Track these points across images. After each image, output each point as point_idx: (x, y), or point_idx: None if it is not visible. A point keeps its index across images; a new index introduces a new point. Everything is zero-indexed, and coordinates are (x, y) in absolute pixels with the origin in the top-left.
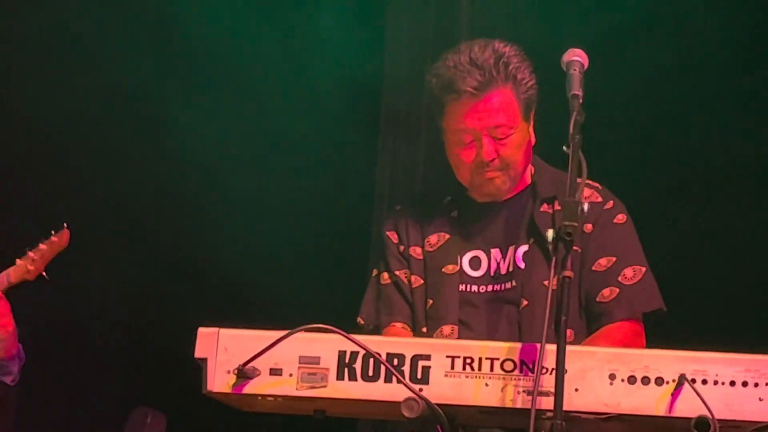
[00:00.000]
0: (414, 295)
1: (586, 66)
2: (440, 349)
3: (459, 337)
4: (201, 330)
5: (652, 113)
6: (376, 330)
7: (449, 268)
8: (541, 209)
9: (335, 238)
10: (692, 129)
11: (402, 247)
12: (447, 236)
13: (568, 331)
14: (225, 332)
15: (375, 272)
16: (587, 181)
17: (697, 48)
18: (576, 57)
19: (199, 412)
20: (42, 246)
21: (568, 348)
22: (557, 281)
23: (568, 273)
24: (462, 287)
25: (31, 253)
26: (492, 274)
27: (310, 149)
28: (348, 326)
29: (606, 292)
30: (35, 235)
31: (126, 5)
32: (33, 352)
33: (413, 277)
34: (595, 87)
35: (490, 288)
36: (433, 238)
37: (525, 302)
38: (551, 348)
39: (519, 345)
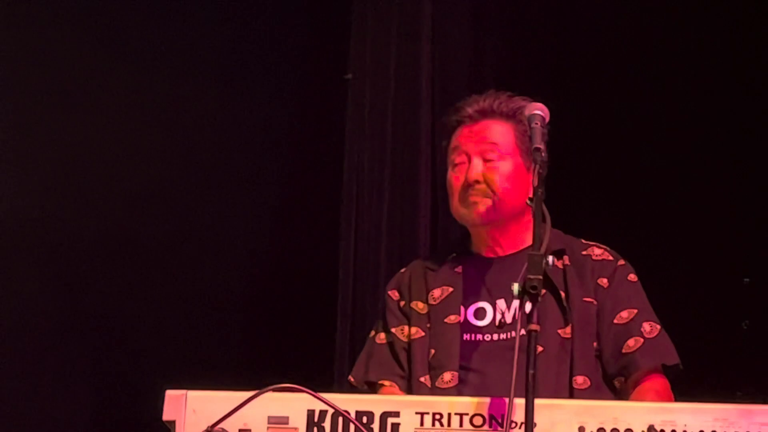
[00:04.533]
0: (413, 347)
1: (547, 119)
2: (409, 406)
3: (459, 383)
4: (168, 392)
5: None
6: (371, 387)
7: (451, 318)
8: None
9: (302, 298)
10: None
11: (402, 303)
12: (450, 289)
13: (582, 378)
14: (193, 394)
15: (372, 333)
16: (594, 244)
17: None
18: (537, 111)
19: None
20: None
21: (537, 402)
22: (526, 334)
23: (534, 327)
24: (466, 336)
25: None
26: (497, 323)
27: (273, 207)
28: (316, 385)
29: (631, 342)
30: None
31: None
32: None
33: (413, 329)
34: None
35: (495, 337)
36: (436, 292)
37: (539, 348)
38: (520, 402)
39: (488, 400)
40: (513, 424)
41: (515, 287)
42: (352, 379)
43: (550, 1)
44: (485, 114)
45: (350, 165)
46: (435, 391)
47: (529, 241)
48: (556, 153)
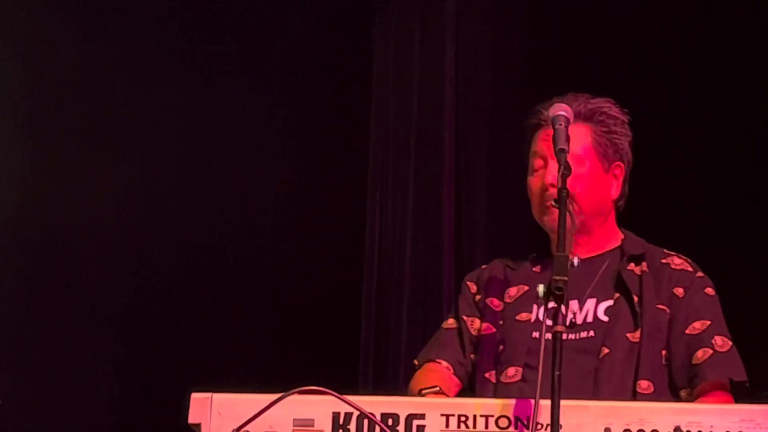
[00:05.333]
0: (481, 343)
1: (571, 120)
2: (435, 408)
3: (523, 378)
4: (194, 395)
5: None
6: None
7: (523, 316)
8: (628, 267)
9: (326, 300)
10: None
11: (478, 297)
12: (526, 288)
13: (646, 383)
14: (218, 397)
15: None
16: (675, 254)
17: None
18: (561, 111)
19: None
20: None
21: (563, 403)
22: (551, 337)
23: (560, 328)
24: (535, 334)
25: None
26: (567, 323)
27: (296, 209)
28: (341, 387)
29: (699, 353)
30: None
31: None
32: None
33: (484, 325)
34: None
35: (564, 337)
36: (512, 290)
37: (606, 350)
38: (545, 403)
39: (513, 401)
40: (539, 426)
41: (540, 288)
42: (416, 363)
43: None
44: None
45: (374, 168)
46: (498, 386)
47: (611, 245)
48: None
